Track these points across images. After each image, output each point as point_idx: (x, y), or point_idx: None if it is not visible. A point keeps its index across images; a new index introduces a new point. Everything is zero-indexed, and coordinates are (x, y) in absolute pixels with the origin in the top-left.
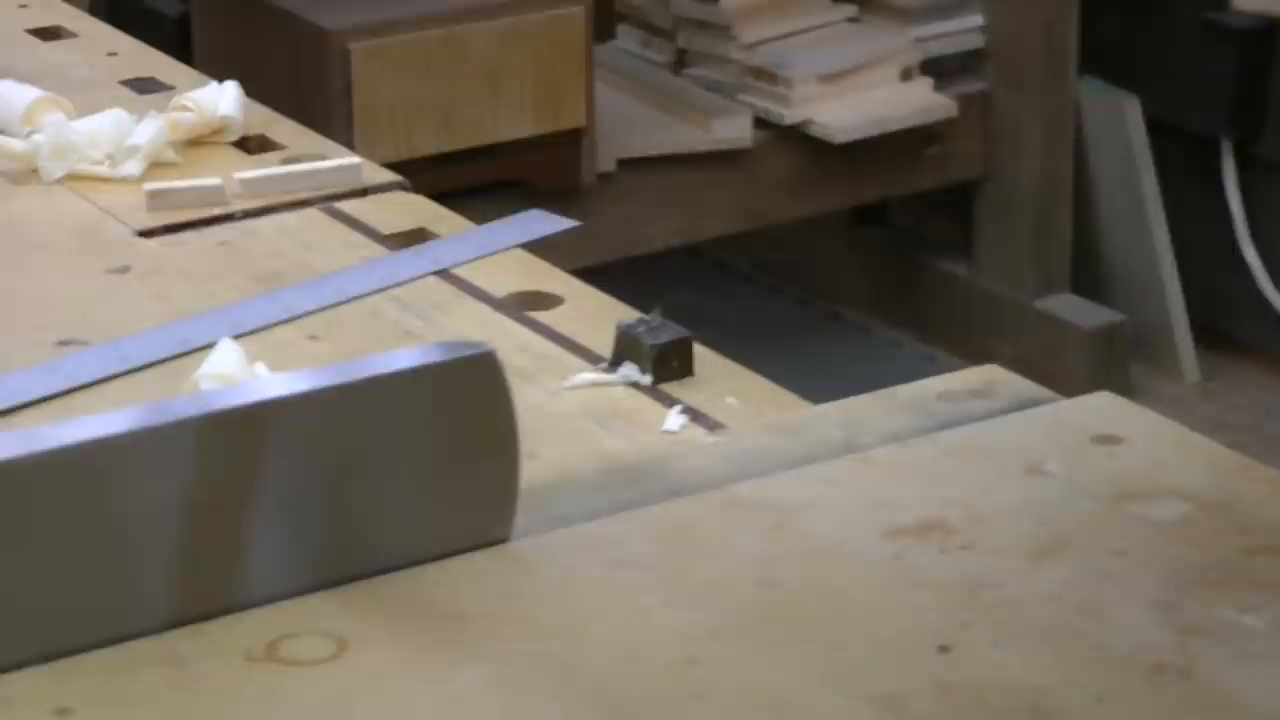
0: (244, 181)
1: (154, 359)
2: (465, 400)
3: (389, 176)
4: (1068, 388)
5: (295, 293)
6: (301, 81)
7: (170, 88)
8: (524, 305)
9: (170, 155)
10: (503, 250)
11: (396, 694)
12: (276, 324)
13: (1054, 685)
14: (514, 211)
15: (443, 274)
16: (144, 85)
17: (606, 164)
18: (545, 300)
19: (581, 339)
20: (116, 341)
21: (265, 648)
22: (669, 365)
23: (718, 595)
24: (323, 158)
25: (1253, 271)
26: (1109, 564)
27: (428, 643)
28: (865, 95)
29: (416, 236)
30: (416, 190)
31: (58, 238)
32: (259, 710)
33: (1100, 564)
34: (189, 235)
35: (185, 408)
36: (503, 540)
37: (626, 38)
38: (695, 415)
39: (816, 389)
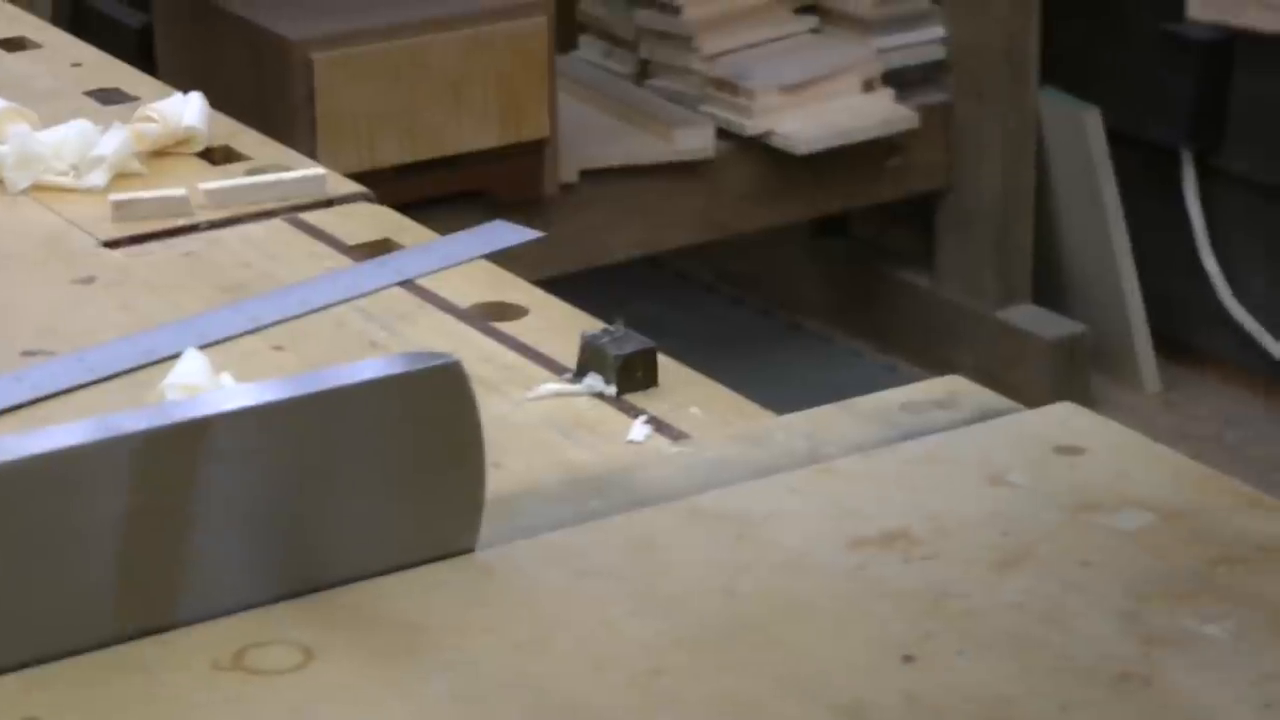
0: (209, 192)
1: (119, 369)
2: (430, 411)
3: (353, 187)
4: (1029, 398)
5: (260, 303)
6: (264, 92)
7: (135, 98)
8: (488, 316)
9: (135, 166)
10: (467, 261)
11: (363, 703)
12: (242, 334)
13: (1018, 695)
14: (476, 222)
15: (407, 285)
16: (108, 96)
17: (569, 174)
18: (510, 311)
19: (546, 349)
20: (82, 352)
21: (232, 657)
22: (633, 376)
23: (683, 605)
24: (287, 169)
25: (1213, 282)
26: (1072, 574)
27: (394, 652)
28: (827, 106)
29: (381, 247)
30: (379, 201)
31: (23, 248)
32: (226, 719)
33: (1063, 574)
34: (154, 246)
35: (131, 422)
36: (468, 551)
37: (589, 48)
38: (659, 425)
39: (778, 399)
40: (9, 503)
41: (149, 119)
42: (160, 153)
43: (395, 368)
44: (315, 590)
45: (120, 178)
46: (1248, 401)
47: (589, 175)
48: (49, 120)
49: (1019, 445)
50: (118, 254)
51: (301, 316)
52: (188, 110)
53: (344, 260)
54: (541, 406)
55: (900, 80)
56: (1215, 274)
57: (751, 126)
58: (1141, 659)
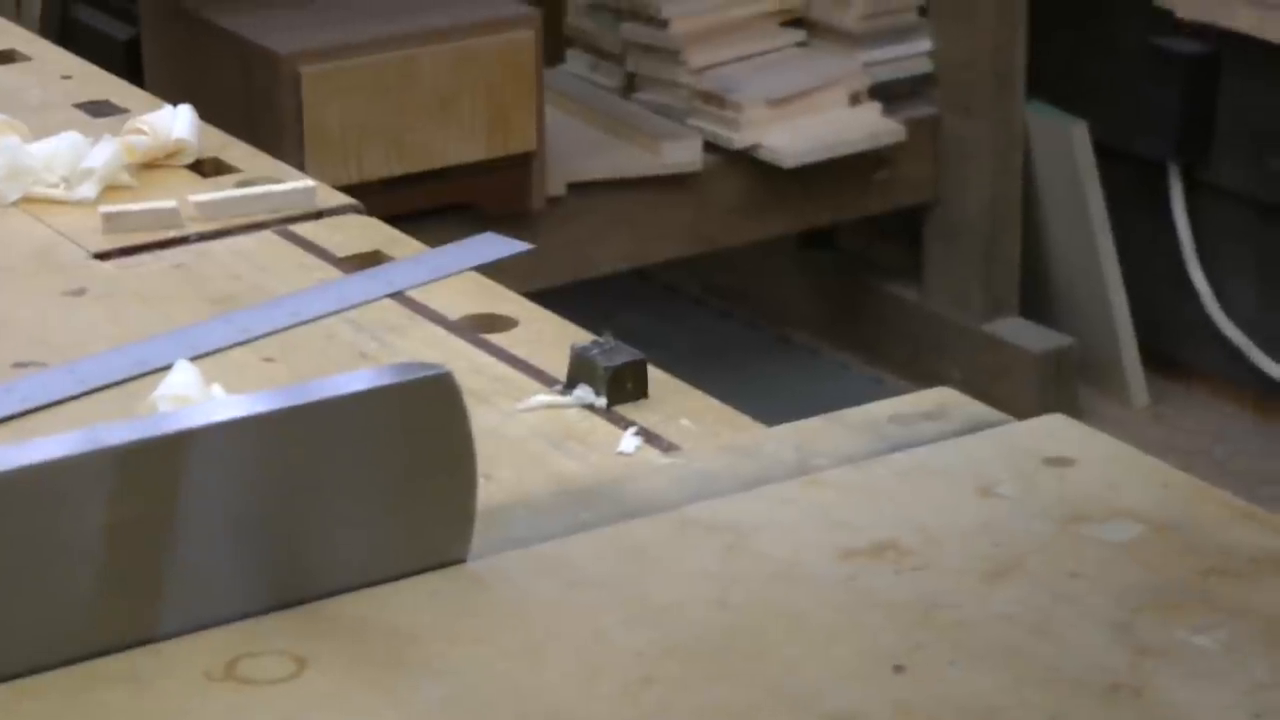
0: (199, 204)
1: (110, 381)
2: (421, 422)
3: (343, 199)
4: (1016, 411)
5: (250, 315)
6: (252, 104)
7: (124, 111)
8: (478, 328)
9: (125, 178)
10: (457, 273)
11: (354, 713)
12: (232, 346)
13: (1008, 705)
14: (464, 235)
15: (397, 296)
16: (98, 108)
17: (556, 187)
18: (500, 322)
19: (536, 361)
20: (73, 363)
21: (225, 667)
22: (623, 387)
23: (674, 616)
24: (277, 181)
25: (1200, 295)
26: (1062, 585)
27: (386, 663)
28: (814, 119)
29: (371, 259)
30: (366, 213)
31: (13, 260)
32: None
33: (1053, 585)
34: (144, 258)
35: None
36: (460, 561)
37: (576, 62)
38: (650, 437)
39: (766, 411)
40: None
41: (139, 131)
42: (150, 165)
43: (386, 379)
44: (307, 600)
45: (110, 190)
46: (1235, 415)
47: (576, 188)
48: (39, 132)
49: (1009, 457)
50: (108, 266)
51: (292, 328)
52: (178, 123)
53: (334, 272)
54: (532, 418)
55: (887, 94)
56: (1203, 287)
57: (739, 139)
58: (1132, 670)
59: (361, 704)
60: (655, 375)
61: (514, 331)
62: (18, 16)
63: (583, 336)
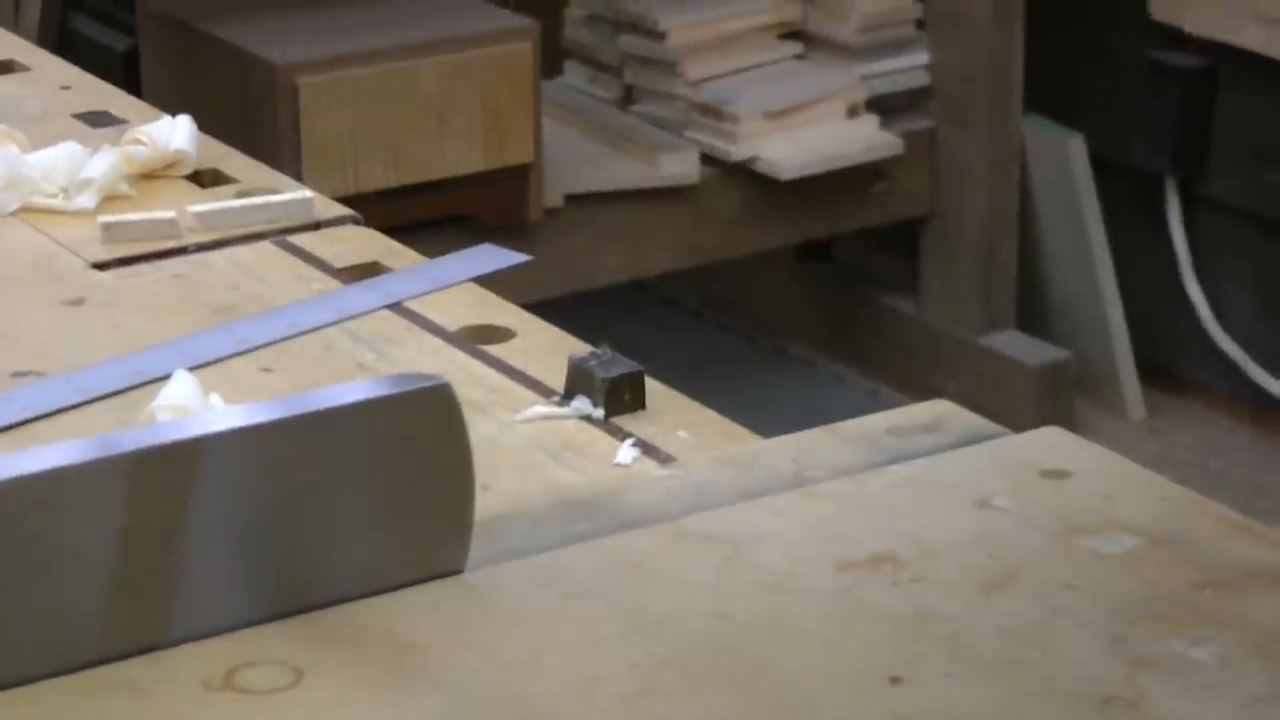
0: (198, 215)
1: (109, 390)
2: (419, 432)
3: (341, 210)
4: (1012, 424)
5: (249, 325)
6: (250, 115)
7: (123, 121)
8: (476, 338)
9: (124, 188)
10: (455, 284)
11: None
12: (230, 356)
13: (1004, 717)
14: (461, 247)
15: (395, 307)
16: (97, 119)
17: (554, 199)
18: (497, 333)
19: (533, 372)
20: (71, 373)
21: (223, 677)
22: (621, 398)
23: (671, 627)
24: (275, 191)
25: (1197, 309)
26: (1058, 597)
27: (383, 673)
28: (811, 132)
29: (369, 270)
30: (364, 224)
31: (12, 270)
32: None
33: (1050, 597)
34: (143, 268)
35: (124, 442)
36: (457, 572)
37: (574, 74)
38: (647, 448)
39: (763, 423)
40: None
41: (138, 142)
42: (149, 175)
43: (384, 389)
44: (305, 610)
45: (109, 200)
46: (1232, 428)
47: (574, 200)
48: (38, 142)
49: (1005, 469)
50: (107, 276)
51: (290, 338)
52: (176, 133)
53: (332, 282)
54: (529, 429)
55: (885, 106)
56: (1199, 301)
57: (736, 152)
58: (1127, 682)
59: (359, 714)
60: (653, 387)
61: (511, 342)
62: (16, 27)
63: (580, 348)
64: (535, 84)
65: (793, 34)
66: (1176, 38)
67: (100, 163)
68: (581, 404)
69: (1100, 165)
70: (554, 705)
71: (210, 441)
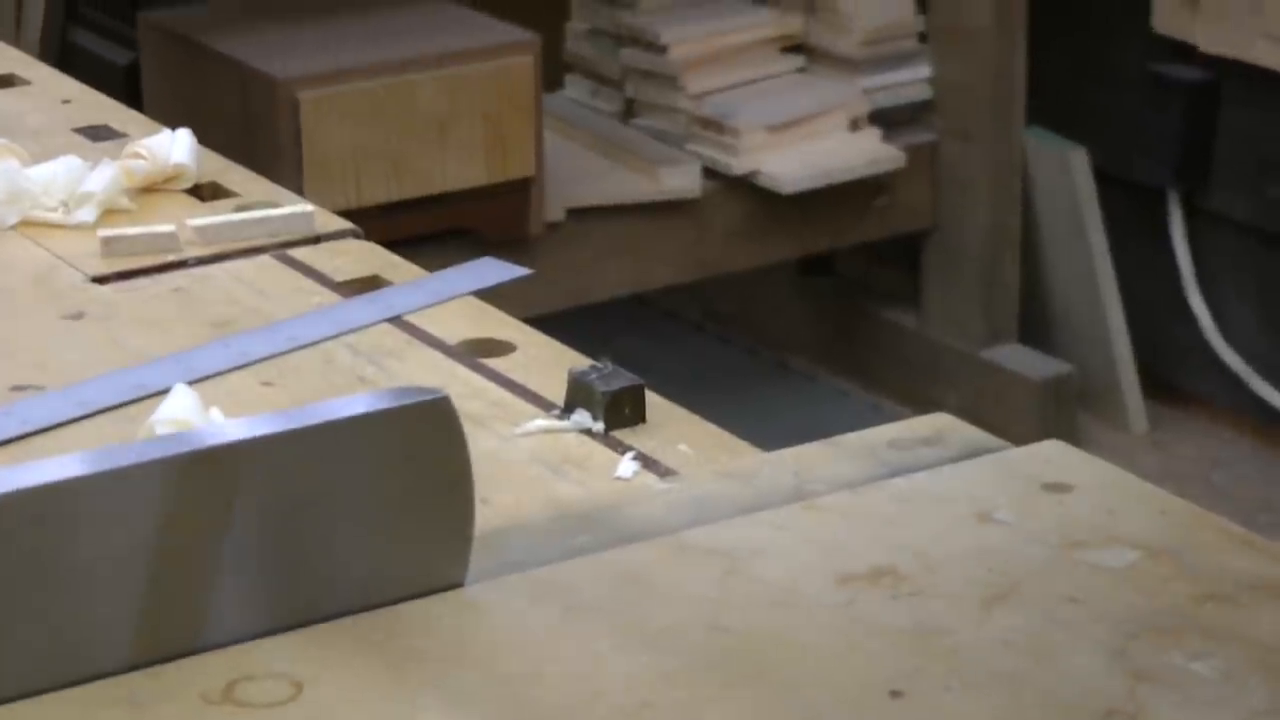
0: (198, 228)
1: (109, 404)
2: (419, 446)
3: (341, 224)
4: (1014, 438)
5: (249, 339)
6: (251, 129)
7: (123, 135)
8: (476, 352)
9: (124, 202)
10: (455, 297)
11: None
12: (230, 370)
13: None
14: (462, 260)
15: (395, 321)
16: (97, 133)
17: (555, 213)
18: (498, 347)
19: (534, 386)
20: (71, 387)
21: (222, 690)
22: (621, 412)
23: (670, 640)
24: (275, 205)
25: (1199, 322)
26: (1059, 611)
27: (383, 686)
28: (813, 146)
29: (369, 284)
30: (365, 238)
31: (12, 284)
32: None
33: (1051, 611)
34: (143, 281)
35: (147, 451)
36: (457, 585)
37: (575, 87)
38: (647, 462)
39: (764, 437)
40: (10, 534)
41: (138, 155)
42: (149, 189)
43: (384, 403)
44: (305, 623)
45: (109, 214)
46: (1234, 442)
47: (575, 214)
48: (38, 156)
49: (1007, 482)
50: (107, 289)
51: (290, 352)
52: (176, 147)
53: (332, 296)
54: (530, 442)
55: (887, 120)
56: (1202, 314)
57: (738, 165)
58: (1129, 696)
59: None
60: (653, 400)
61: (512, 356)
62: (17, 41)
63: (581, 361)
64: (536, 97)
65: (794, 47)
66: (1179, 51)
67: (100, 177)
68: (582, 417)
69: (1103, 178)
70: (554, 718)
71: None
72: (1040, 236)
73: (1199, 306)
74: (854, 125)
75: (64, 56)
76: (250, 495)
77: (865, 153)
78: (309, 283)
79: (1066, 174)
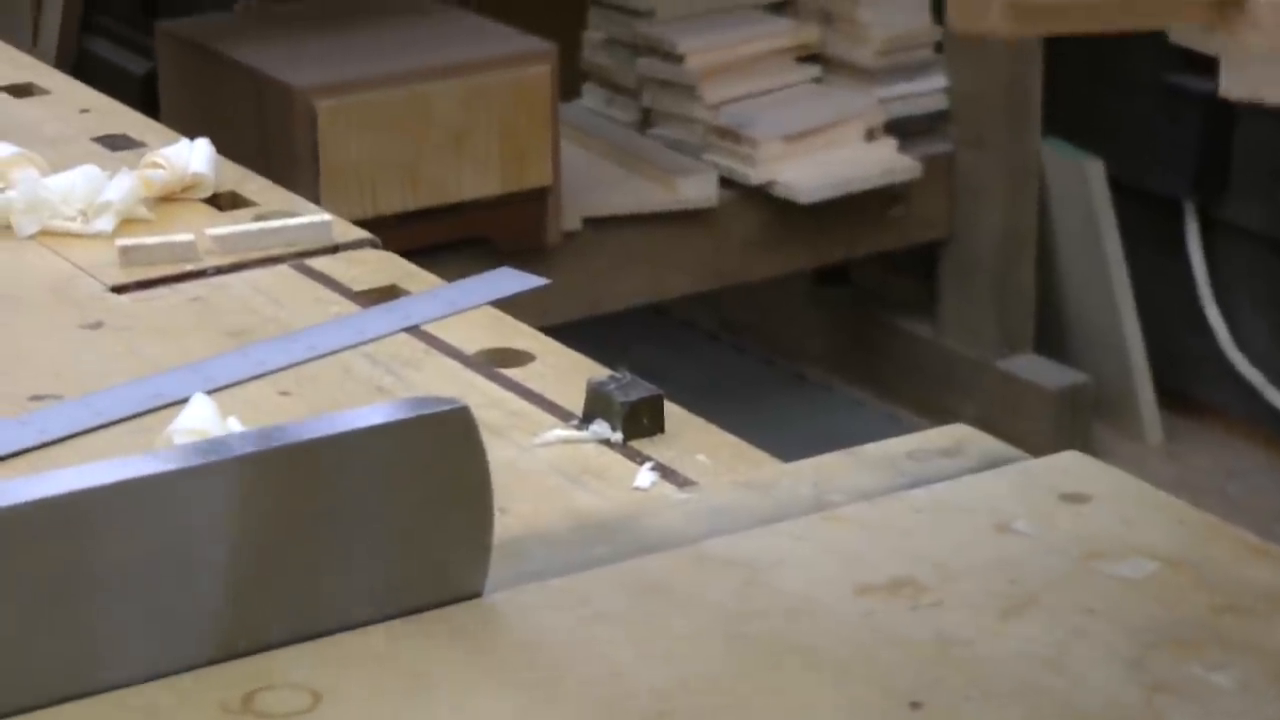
0: (216, 238)
1: (127, 414)
2: (438, 455)
3: (359, 234)
4: (1030, 448)
5: (267, 348)
6: (268, 139)
7: (141, 144)
8: (494, 362)
9: (142, 212)
10: (473, 307)
11: None
12: (248, 379)
13: None
14: (479, 269)
15: (413, 330)
16: (115, 142)
17: (572, 222)
18: (516, 357)
19: (552, 395)
20: (89, 396)
21: (241, 700)
22: (639, 422)
23: (690, 650)
24: (293, 215)
25: (1215, 333)
26: (1078, 622)
27: (401, 696)
28: (830, 155)
29: (387, 293)
30: (382, 248)
31: (31, 293)
32: None
33: (1069, 622)
34: (161, 291)
35: (167, 462)
36: (476, 595)
37: (592, 97)
38: (666, 472)
39: (781, 447)
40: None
41: (156, 165)
42: (167, 198)
43: (403, 413)
44: (324, 633)
45: (127, 223)
46: (1249, 453)
47: (592, 223)
48: (57, 166)
49: (1025, 493)
50: (125, 299)
51: (308, 362)
52: (195, 156)
53: (350, 306)
54: (548, 452)
55: (903, 130)
56: (1218, 325)
57: (754, 175)
58: (1147, 707)
59: None
60: (671, 410)
61: (530, 366)
62: (35, 50)
63: (599, 371)
64: (553, 107)
65: (811, 57)
66: (1195, 61)
67: (119, 186)
68: (600, 428)
69: (1119, 189)
70: None
71: (227, 465)
72: (1056, 246)
73: (1214, 317)
74: (870, 135)
75: (81, 66)
76: (270, 505)
77: (881, 162)
78: (327, 292)
79: (1082, 184)
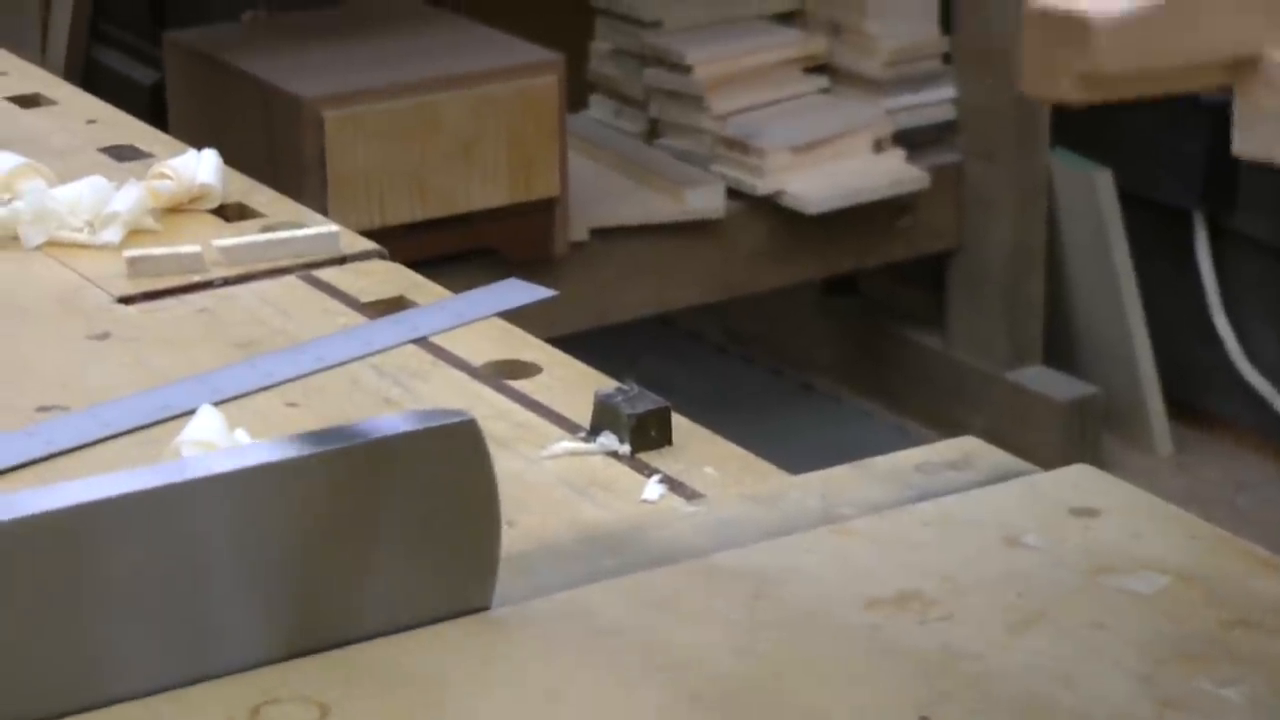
0: (223, 249)
1: (134, 425)
2: (445, 468)
3: (367, 245)
4: (1039, 460)
5: (274, 360)
6: (275, 149)
7: (149, 155)
8: (502, 374)
9: (150, 223)
10: (480, 319)
11: None
12: (256, 391)
13: None
14: (486, 281)
15: (421, 342)
16: (123, 153)
17: (579, 233)
18: (523, 369)
19: (559, 408)
20: (96, 407)
21: (248, 714)
22: (647, 434)
23: (698, 664)
24: (301, 226)
25: (1225, 344)
26: (1087, 636)
27: (408, 709)
28: (837, 166)
29: (395, 305)
30: (390, 258)
31: (38, 304)
32: None
33: (1078, 636)
34: (169, 302)
35: (169, 473)
36: (483, 608)
37: (599, 107)
38: (674, 484)
39: (789, 459)
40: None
41: (164, 176)
42: (175, 209)
43: (410, 425)
44: (331, 647)
45: (135, 234)
46: (1259, 465)
47: (599, 234)
48: (64, 176)
49: (1034, 507)
50: (132, 310)
51: (316, 373)
52: (202, 167)
53: (358, 317)
54: (556, 464)
55: (911, 140)
56: (1228, 336)
57: (762, 186)
58: None
59: None
60: (679, 422)
61: (537, 378)
62: (43, 61)
63: (606, 383)
64: (561, 118)
65: (819, 68)
66: None
67: (126, 197)
68: (608, 440)
69: (1128, 199)
70: None
71: (235, 477)
72: (1065, 257)
73: (1224, 328)
74: (878, 146)
75: (89, 76)
76: (275, 517)
77: (889, 173)
78: (334, 303)
79: (1091, 195)
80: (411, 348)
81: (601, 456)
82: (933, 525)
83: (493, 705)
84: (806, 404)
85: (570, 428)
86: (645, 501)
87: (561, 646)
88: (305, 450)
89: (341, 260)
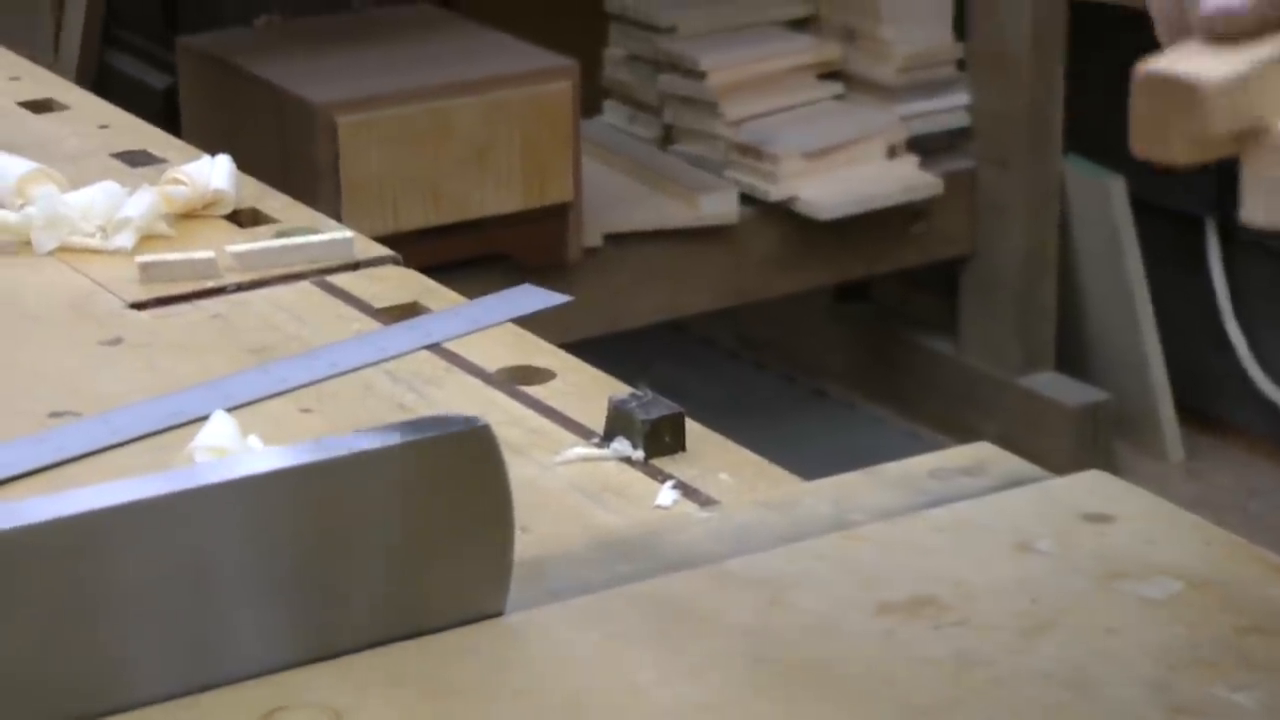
0: (236, 255)
1: (146, 431)
2: (459, 474)
3: (381, 250)
4: (1051, 466)
5: (288, 365)
6: (289, 154)
7: (162, 161)
8: (516, 379)
9: (162, 228)
10: (494, 324)
11: None
12: (269, 397)
13: None
14: (500, 286)
15: (435, 348)
16: (135, 158)
17: (593, 239)
18: (537, 374)
19: (573, 413)
20: (108, 413)
21: None
22: (661, 440)
23: (711, 670)
24: (314, 231)
25: (1237, 350)
26: (1100, 642)
27: (421, 716)
28: (851, 172)
29: (409, 310)
30: (403, 264)
31: (50, 310)
32: None
33: (1091, 642)
34: (181, 308)
35: (182, 480)
36: (497, 614)
37: (613, 113)
38: (687, 490)
39: (801, 464)
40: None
41: (177, 181)
42: (188, 215)
43: (424, 431)
44: (344, 653)
45: (147, 240)
46: (1271, 471)
47: (613, 239)
48: (76, 182)
49: (1047, 513)
50: (145, 316)
51: (329, 379)
52: (215, 173)
53: (371, 323)
54: (569, 470)
55: (924, 147)
56: (1239, 342)
57: (775, 192)
58: None
59: None
60: (693, 428)
61: (551, 383)
62: (55, 65)
63: (620, 389)
64: (575, 123)
65: (833, 74)
66: None
67: (139, 202)
68: (621, 445)
69: (1140, 206)
70: None
71: (248, 483)
72: (1077, 264)
73: (1236, 335)
74: (892, 152)
75: (101, 81)
76: (288, 523)
77: (903, 179)
78: (348, 309)
79: (1104, 201)
80: (425, 353)
81: (615, 462)
82: (946, 531)
83: (506, 711)
84: (819, 410)
85: (584, 433)
86: (659, 507)
87: (575, 653)
88: (319, 456)
89: (355, 266)
